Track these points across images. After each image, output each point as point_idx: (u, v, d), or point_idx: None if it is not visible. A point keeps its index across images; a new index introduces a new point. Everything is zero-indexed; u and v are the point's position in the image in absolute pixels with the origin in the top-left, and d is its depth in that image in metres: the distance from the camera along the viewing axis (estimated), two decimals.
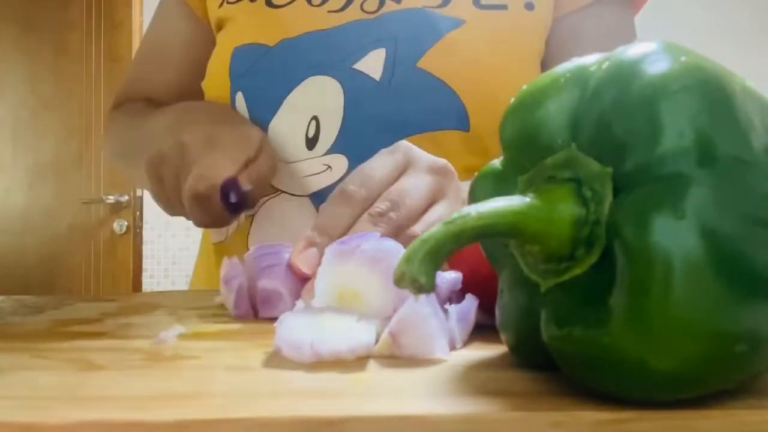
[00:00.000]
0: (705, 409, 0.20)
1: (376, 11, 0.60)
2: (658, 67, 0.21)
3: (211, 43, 0.67)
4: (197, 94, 0.67)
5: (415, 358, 0.28)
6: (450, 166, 0.44)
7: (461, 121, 0.58)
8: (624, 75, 0.21)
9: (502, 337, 0.26)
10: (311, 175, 0.59)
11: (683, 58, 0.21)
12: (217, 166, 0.48)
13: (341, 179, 0.57)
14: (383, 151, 0.44)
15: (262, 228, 0.61)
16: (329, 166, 0.59)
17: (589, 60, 0.24)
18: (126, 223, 2.49)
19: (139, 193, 2.45)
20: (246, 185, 0.49)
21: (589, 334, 0.20)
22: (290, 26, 0.60)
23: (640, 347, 0.19)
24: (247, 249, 0.62)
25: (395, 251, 0.32)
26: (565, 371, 0.22)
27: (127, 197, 2.45)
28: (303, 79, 0.59)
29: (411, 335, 0.28)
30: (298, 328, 0.28)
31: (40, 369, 0.26)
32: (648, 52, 0.21)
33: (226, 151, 0.50)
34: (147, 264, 2.53)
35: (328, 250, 0.33)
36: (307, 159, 0.59)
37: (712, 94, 0.20)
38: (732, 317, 0.18)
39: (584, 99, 0.23)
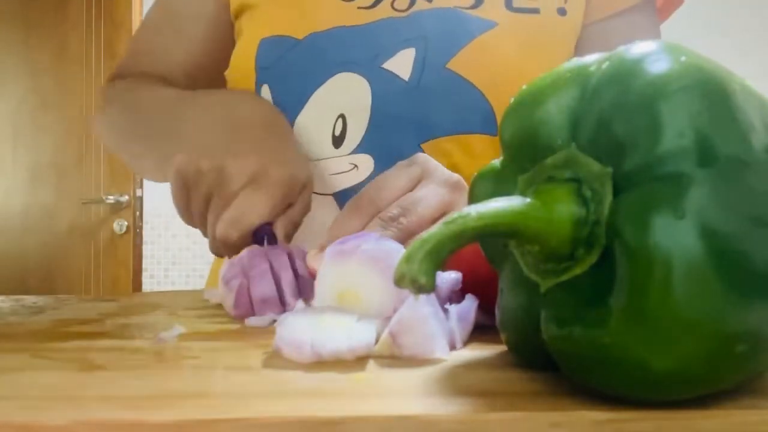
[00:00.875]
0: (705, 409, 0.20)
1: (406, 9, 0.59)
2: (658, 67, 0.20)
3: (230, 25, 0.65)
4: (214, 76, 0.65)
5: (415, 358, 0.28)
6: (463, 181, 0.44)
7: (489, 124, 0.57)
8: (624, 75, 0.21)
9: (502, 336, 0.26)
10: (337, 173, 0.59)
11: (683, 59, 0.21)
12: (255, 210, 0.45)
13: (368, 179, 0.57)
14: (400, 163, 0.44)
15: None
16: (356, 165, 0.58)
17: (590, 59, 0.24)
18: (126, 223, 2.49)
19: (139, 193, 2.45)
20: (280, 232, 0.47)
21: (589, 334, 0.20)
22: (319, 19, 0.60)
23: (640, 347, 0.19)
24: None
25: (395, 251, 0.32)
26: (565, 371, 0.22)
27: (127, 197, 2.44)
28: (331, 76, 0.58)
29: (411, 335, 0.28)
30: (298, 328, 0.28)
31: (41, 369, 0.26)
32: (648, 52, 0.21)
33: (268, 193, 0.46)
34: (147, 264, 2.53)
35: (328, 251, 0.33)
36: (333, 157, 0.58)
37: (711, 94, 0.20)
38: (733, 317, 0.18)
39: (584, 99, 0.23)
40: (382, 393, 0.22)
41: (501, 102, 0.57)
